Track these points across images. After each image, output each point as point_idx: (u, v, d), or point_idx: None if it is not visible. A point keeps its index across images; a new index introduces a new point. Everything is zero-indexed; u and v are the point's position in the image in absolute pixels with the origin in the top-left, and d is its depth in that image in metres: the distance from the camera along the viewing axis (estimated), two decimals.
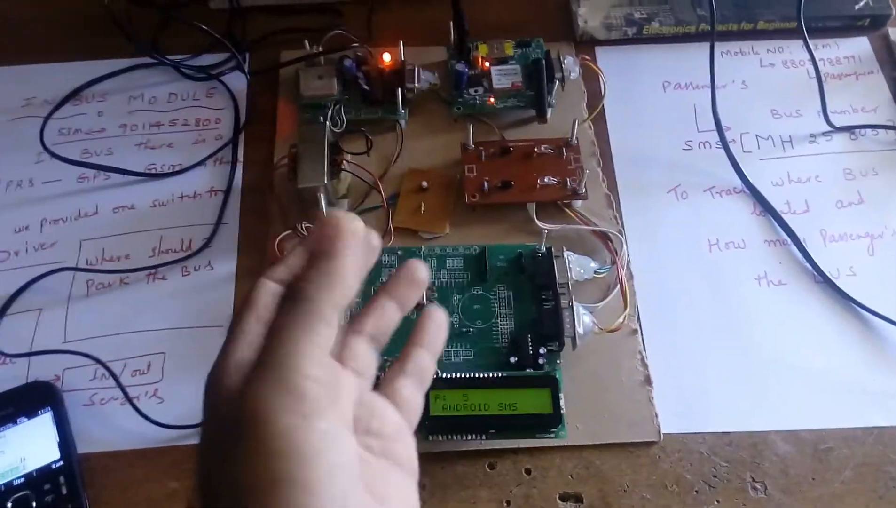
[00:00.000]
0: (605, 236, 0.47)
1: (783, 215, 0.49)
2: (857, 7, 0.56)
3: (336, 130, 0.50)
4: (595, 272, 0.44)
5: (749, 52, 0.56)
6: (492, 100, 0.52)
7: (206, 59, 0.57)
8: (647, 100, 0.54)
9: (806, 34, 0.49)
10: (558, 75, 0.52)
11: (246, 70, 0.56)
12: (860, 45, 0.57)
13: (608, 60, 0.56)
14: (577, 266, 0.44)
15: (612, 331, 0.43)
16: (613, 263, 0.45)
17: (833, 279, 0.46)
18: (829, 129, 0.52)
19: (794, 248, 0.48)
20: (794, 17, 0.55)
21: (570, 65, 0.52)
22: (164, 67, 0.56)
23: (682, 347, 0.45)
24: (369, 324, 0.27)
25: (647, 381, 0.43)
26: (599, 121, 0.53)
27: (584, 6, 0.56)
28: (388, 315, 0.27)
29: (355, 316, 0.26)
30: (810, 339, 0.45)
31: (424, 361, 0.28)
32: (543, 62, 0.50)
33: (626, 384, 0.43)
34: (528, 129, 0.52)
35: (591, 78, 0.55)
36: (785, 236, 0.48)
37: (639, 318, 0.45)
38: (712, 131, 0.52)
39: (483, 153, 0.50)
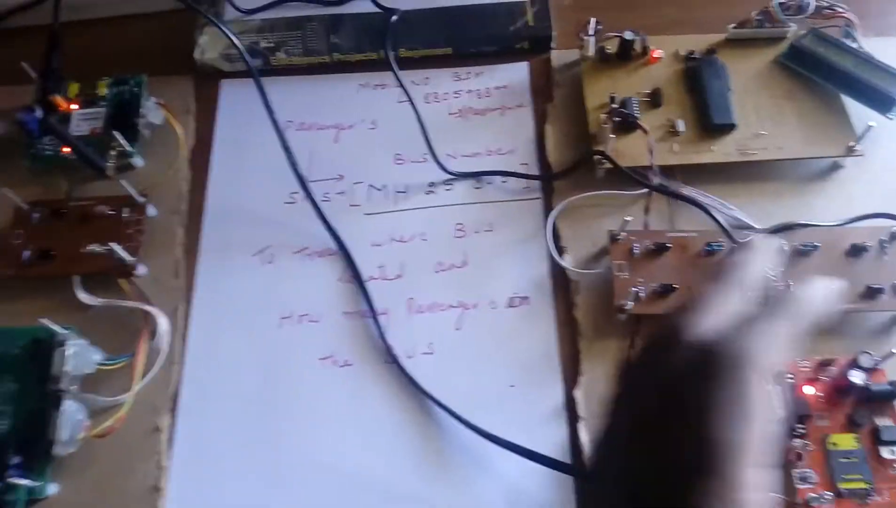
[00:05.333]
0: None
1: (372, 282, 0.43)
2: (511, 28, 0.49)
3: None
4: (101, 364, 0.39)
5: (391, 85, 0.49)
6: (66, 149, 0.46)
7: None
8: (265, 142, 0.46)
9: (395, 65, 0.43)
10: (138, 120, 0.46)
11: None
12: (518, 73, 0.50)
13: (232, 96, 0.50)
14: (76, 359, 0.38)
15: (98, 436, 0.37)
16: (135, 353, 0.40)
17: (403, 359, 0.40)
18: (450, 176, 0.46)
19: (371, 321, 0.42)
20: (444, 43, 0.49)
21: (150, 109, 0.46)
22: None
23: (216, 446, 0.39)
24: None
25: (157, 489, 0.37)
26: (202, 170, 0.47)
27: (207, 34, 0.50)
28: None
29: None
30: (369, 434, 0.39)
31: None
32: (43, 113, 0.43)
33: (132, 492, 0.37)
34: (111, 183, 0.46)
35: (205, 118, 0.49)
36: (365, 306, 0.42)
37: (174, 412, 0.40)
38: (325, 181, 0.46)
39: (36, 216, 0.44)
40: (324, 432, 0.39)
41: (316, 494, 0.38)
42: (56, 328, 0.39)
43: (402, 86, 0.43)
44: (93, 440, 0.38)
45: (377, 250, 0.44)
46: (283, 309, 0.42)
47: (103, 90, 0.47)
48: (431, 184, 0.46)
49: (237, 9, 0.51)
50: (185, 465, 0.38)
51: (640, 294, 0.39)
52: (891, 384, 0.36)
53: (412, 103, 0.43)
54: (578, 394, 0.38)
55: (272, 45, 0.49)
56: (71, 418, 0.37)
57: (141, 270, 0.42)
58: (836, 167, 0.44)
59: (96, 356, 0.39)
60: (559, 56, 0.49)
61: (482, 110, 0.48)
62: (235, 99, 0.49)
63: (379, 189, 0.46)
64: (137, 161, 0.46)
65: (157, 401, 0.39)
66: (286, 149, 0.44)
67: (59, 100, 0.46)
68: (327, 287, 0.43)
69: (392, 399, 0.40)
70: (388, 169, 0.47)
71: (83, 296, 0.42)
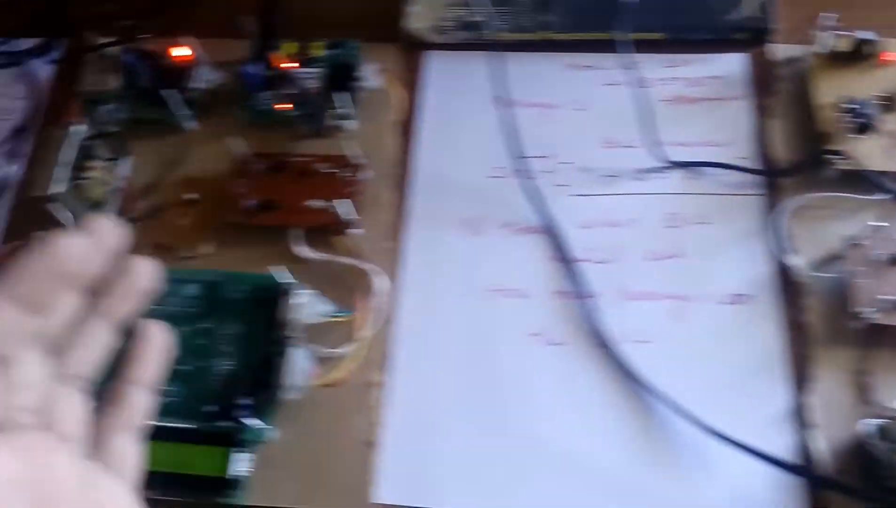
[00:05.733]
0: (369, 273, 0.42)
1: (580, 264, 0.42)
2: (731, 18, 0.47)
3: (112, 129, 0.47)
4: (329, 316, 0.39)
5: (598, 67, 0.49)
6: (284, 106, 0.47)
7: (28, 43, 0.54)
8: (469, 115, 0.48)
9: (627, 48, 0.42)
10: (356, 84, 0.46)
11: (56, 58, 0.53)
12: (734, 64, 0.48)
13: (438, 68, 0.50)
14: (307, 308, 0.39)
15: (326, 385, 0.38)
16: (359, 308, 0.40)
17: (618, 345, 0.39)
18: (663, 164, 0.45)
19: (582, 302, 0.41)
20: (658, 28, 0.48)
21: (370, 74, 0.46)
22: None
23: (429, 407, 0.39)
24: (79, 361, 0.21)
25: (372, 444, 0.38)
26: (412, 137, 0.47)
27: (418, 5, 0.50)
28: (100, 345, 0.22)
29: (57, 352, 0.21)
30: (580, 416, 0.38)
31: (141, 401, 0.23)
32: (301, 75, 0.44)
33: (347, 444, 0.38)
34: (323, 141, 0.47)
35: (411, 87, 0.49)
36: (576, 287, 0.42)
37: (389, 370, 0.40)
38: (531, 159, 0.45)
39: (257, 167, 0.45)
40: (534, 407, 0.39)
41: (526, 467, 0.38)
42: (285, 277, 0.40)
43: (629, 70, 0.42)
44: (316, 389, 0.39)
45: (586, 233, 0.43)
46: (491, 281, 0.42)
47: (318, 52, 0.48)
48: (642, 170, 0.45)
49: None
50: (397, 422, 0.39)
51: (880, 304, 0.37)
52: None
53: (638, 89, 0.42)
54: (810, 400, 0.37)
55: (482, 19, 0.49)
56: (300, 365, 0.38)
57: (357, 229, 0.43)
58: None
59: (324, 307, 0.39)
60: (780, 50, 0.47)
61: (695, 99, 0.47)
62: (442, 70, 0.50)
63: (587, 171, 0.45)
64: (351, 124, 0.47)
65: (374, 357, 0.40)
66: (508, 126, 0.43)
67: (276, 57, 0.47)
68: (536, 265, 0.43)
69: (605, 384, 0.39)
70: (596, 152, 0.46)
71: (301, 250, 0.43)
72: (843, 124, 0.42)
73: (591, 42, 0.49)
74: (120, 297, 0.21)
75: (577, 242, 0.43)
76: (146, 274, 0.21)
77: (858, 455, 0.35)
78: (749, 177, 0.43)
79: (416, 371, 0.41)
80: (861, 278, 0.38)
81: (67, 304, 0.20)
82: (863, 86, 0.44)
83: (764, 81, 0.47)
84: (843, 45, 0.45)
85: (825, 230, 0.41)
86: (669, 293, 0.41)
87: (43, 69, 0.52)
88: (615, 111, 0.46)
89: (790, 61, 0.46)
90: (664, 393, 0.38)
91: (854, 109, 0.42)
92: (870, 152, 0.41)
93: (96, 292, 0.20)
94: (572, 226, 0.43)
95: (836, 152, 0.41)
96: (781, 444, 0.37)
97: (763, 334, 0.39)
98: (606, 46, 0.48)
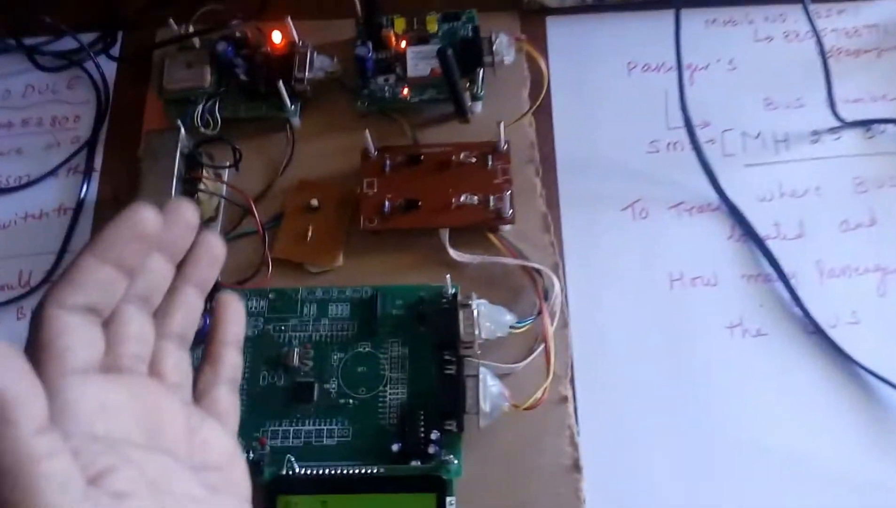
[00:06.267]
0: (537, 272, 0.37)
1: (769, 241, 0.38)
2: None
3: (208, 132, 0.41)
4: (511, 328, 0.34)
5: (742, 22, 0.44)
6: (405, 91, 0.41)
7: (75, 42, 0.47)
8: (607, 86, 0.43)
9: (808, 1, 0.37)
10: (487, 60, 0.41)
11: (116, 55, 0.46)
12: (889, 11, 0.44)
13: (561, 35, 0.44)
14: (487, 320, 0.34)
15: (527, 409, 0.33)
16: (539, 313, 0.35)
17: (829, 330, 0.35)
18: (837, 123, 0.40)
19: (780, 285, 0.37)
20: None
21: (503, 46, 0.41)
22: (21, 53, 0.47)
23: (626, 420, 0.35)
24: (177, 322, 0.23)
25: (576, 467, 0.34)
26: (545, 116, 0.43)
27: None
28: (192, 306, 0.24)
29: (159, 314, 0.23)
30: (798, 412, 0.35)
31: (234, 358, 0.25)
32: (449, 51, 0.38)
33: (547, 471, 0.34)
34: (453, 128, 0.42)
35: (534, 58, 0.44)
36: (769, 268, 0.38)
37: (573, 380, 0.36)
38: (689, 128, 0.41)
39: (388, 163, 0.39)
40: (744, 409, 0.35)
41: (747, 477, 0.33)
42: (452, 287, 0.35)
43: (810, 21, 0.37)
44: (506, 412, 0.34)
45: (767, 206, 0.39)
46: (670, 270, 0.38)
47: (433, 26, 0.42)
48: (815, 132, 0.41)
49: None
50: (595, 440, 0.34)
51: None
52: None
53: (819, 41, 0.38)
54: None
55: None
56: (488, 387, 0.33)
57: (512, 223, 0.38)
58: None
59: (508, 317, 0.34)
60: None
61: (854, 52, 0.43)
62: (566, 37, 0.44)
63: (754, 137, 0.41)
64: (478, 106, 0.41)
65: (557, 368, 0.35)
66: (682, 97, 0.38)
67: (390, 36, 0.42)
68: (716, 247, 0.38)
69: (821, 373, 0.35)
70: (759, 114, 0.41)
71: (455, 253, 0.37)
72: None
73: None
74: (201, 265, 0.23)
75: (759, 217, 0.38)
76: (216, 244, 0.24)
77: None
78: None
79: (600, 380, 0.36)
80: None
81: (156, 269, 0.22)
82: None
83: None
84: None
85: None
86: (871, 266, 0.37)
87: (105, 68, 0.45)
88: (770, 69, 0.42)
89: None
90: (890, 377, 0.34)
91: None
92: None
93: (183, 263, 0.23)
94: (750, 199, 0.39)
95: None
96: None
97: None
98: None
